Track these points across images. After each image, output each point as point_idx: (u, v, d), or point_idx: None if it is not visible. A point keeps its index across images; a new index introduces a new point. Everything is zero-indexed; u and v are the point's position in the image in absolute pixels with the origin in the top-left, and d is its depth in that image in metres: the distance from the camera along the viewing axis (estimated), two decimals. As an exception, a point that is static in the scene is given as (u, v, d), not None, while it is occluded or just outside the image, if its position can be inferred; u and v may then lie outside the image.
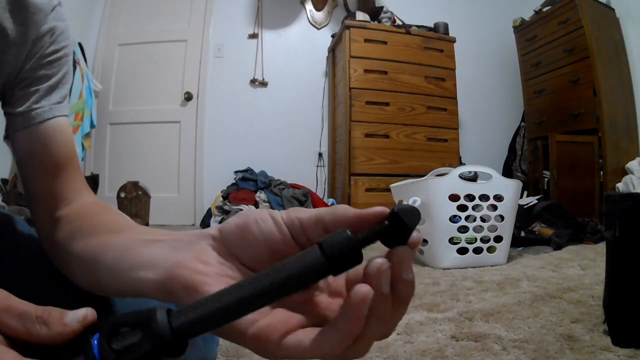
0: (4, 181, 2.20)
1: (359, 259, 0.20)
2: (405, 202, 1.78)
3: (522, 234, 2.15)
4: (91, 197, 0.45)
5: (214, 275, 0.24)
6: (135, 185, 2.36)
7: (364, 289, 0.19)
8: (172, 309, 0.21)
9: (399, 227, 0.20)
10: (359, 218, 0.22)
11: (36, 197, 0.43)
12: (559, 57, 3.12)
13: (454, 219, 1.63)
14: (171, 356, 0.20)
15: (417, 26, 3.16)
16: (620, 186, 2.75)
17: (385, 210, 0.22)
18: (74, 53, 2.59)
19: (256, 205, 2.79)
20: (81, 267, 0.35)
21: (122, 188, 2.43)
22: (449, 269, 1.59)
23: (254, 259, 0.25)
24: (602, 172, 2.83)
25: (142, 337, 0.20)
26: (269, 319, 0.23)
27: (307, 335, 0.22)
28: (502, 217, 1.65)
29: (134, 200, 2.28)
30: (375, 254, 0.21)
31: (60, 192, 0.43)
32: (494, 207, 1.65)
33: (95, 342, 0.20)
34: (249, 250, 0.25)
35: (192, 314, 0.20)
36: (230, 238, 0.25)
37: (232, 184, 3.10)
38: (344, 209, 0.23)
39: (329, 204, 3.04)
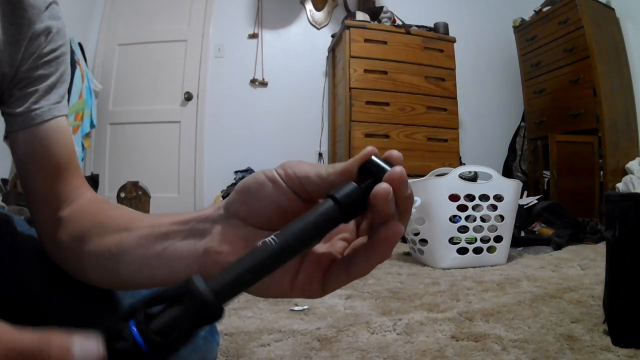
0: (4, 181, 2.20)
1: (365, 206, 0.24)
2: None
3: (522, 234, 2.15)
4: (91, 194, 0.45)
5: (242, 250, 0.25)
6: (135, 185, 2.36)
7: (398, 227, 0.24)
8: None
9: (375, 175, 0.23)
10: (352, 166, 0.25)
11: (37, 197, 0.43)
12: (559, 57, 3.12)
13: (454, 219, 1.63)
14: (213, 321, 0.21)
15: (417, 26, 3.16)
16: (620, 186, 2.75)
17: (368, 153, 0.25)
18: (74, 53, 2.60)
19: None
20: (98, 267, 0.36)
21: (122, 188, 2.42)
22: (449, 269, 1.59)
23: (265, 221, 0.27)
24: (602, 172, 2.83)
25: (183, 308, 0.19)
26: (305, 271, 0.27)
27: (340, 270, 0.26)
28: (502, 217, 1.65)
29: (134, 200, 2.28)
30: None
31: (62, 192, 0.43)
32: (494, 207, 1.65)
33: (134, 327, 0.19)
34: (259, 216, 0.27)
35: (229, 276, 0.21)
36: (238, 212, 0.28)
37: (232, 184, 3.10)
38: (343, 166, 0.25)
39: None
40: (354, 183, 0.23)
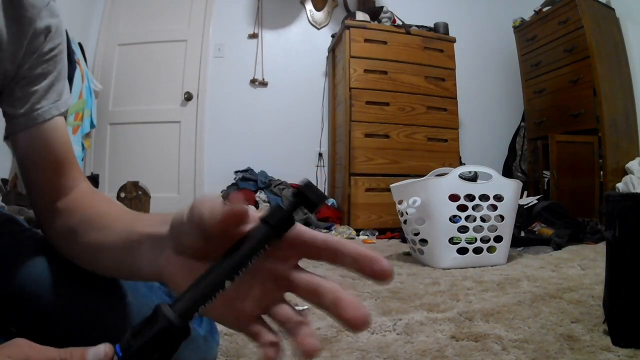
0: (4, 181, 2.20)
1: (292, 222, 0.27)
2: (405, 202, 1.78)
3: (522, 234, 2.15)
4: (85, 185, 0.48)
5: (185, 276, 0.28)
6: (135, 185, 2.36)
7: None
8: (169, 303, 0.25)
9: (307, 198, 0.26)
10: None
11: (37, 189, 0.46)
12: (559, 57, 3.12)
13: (454, 219, 1.63)
14: (182, 339, 0.24)
15: (417, 26, 3.16)
16: (620, 186, 2.75)
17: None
18: (74, 53, 2.60)
19: (256, 205, 2.79)
20: (85, 258, 0.41)
21: (122, 188, 2.42)
22: (449, 269, 1.59)
23: (197, 253, 0.28)
24: (602, 172, 2.83)
25: (155, 332, 0.23)
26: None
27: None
28: (502, 217, 1.65)
29: (134, 200, 2.28)
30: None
31: (60, 184, 0.45)
32: (494, 207, 1.64)
33: (119, 350, 0.23)
34: (190, 250, 0.28)
35: (187, 299, 0.25)
36: (174, 243, 0.29)
37: (232, 184, 3.10)
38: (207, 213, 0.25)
39: (329, 204, 3.04)
40: (280, 204, 0.26)
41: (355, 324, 0.24)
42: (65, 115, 0.48)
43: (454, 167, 1.74)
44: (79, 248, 0.40)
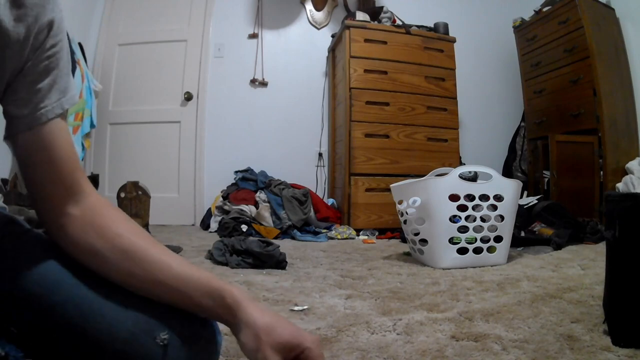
0: (4, 181, 2.20)
1: None
2: (405, 202, 1.78)
3: (522, 234, 2.15)
4: (94, 198, 0.49)
5: None
6: (135, 185, 2.36)
7: None
8: None
9: None
10: None
11: (41, 190, 0.46)
12: (559, 57, 3.12)
13: (454, 219, 1.63)
14: None
15: (417, 26, 3.16)
16: (620, 186, 2.75)
17: None
18: (74, 53, 2.60)
19: (256, 205, 2.79)
20: (129, 284, 0.46)
21: (122, 188, 2.42)
22: (449, 269, 1.59)
23: None
24: (602, 172, 2.83)
25: None
26: None
27: None
28: (502, 217, 1.65)
29: (134, 200, 2.28)
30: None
31: (65, 185, 0.46)
32: (494, 207, 1.65)
33: None
34: None
35: None
36: None
37: (232, 184, 3.10)
38: None
39: (329, 204, 3.04)
40: None
41: None
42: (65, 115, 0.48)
43: (454, 167, 1.74)
44: (116, 273, 0.45)
